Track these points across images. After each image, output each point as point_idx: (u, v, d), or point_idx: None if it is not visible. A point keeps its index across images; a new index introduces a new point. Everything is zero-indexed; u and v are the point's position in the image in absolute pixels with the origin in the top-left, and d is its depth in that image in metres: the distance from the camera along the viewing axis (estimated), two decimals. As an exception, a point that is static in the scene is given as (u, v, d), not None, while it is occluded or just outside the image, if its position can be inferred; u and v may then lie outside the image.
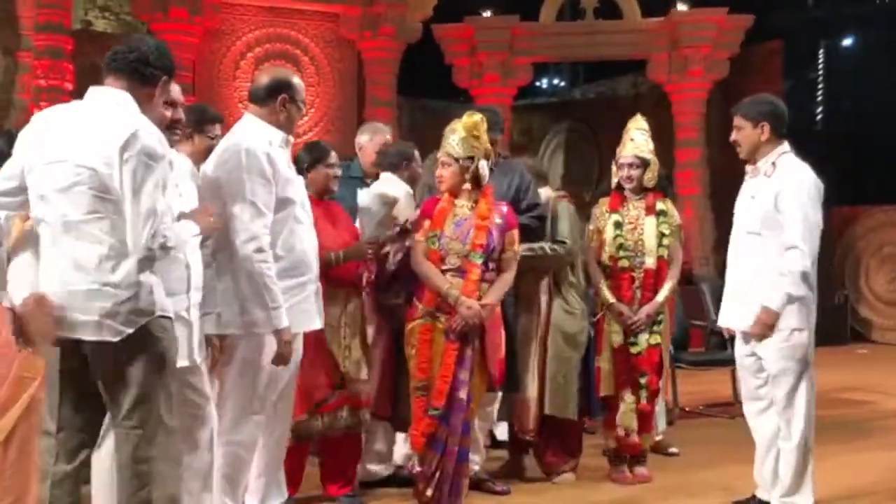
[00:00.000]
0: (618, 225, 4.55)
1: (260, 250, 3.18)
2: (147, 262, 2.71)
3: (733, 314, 3.99)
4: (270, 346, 3.29)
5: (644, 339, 4.48)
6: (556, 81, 17.37)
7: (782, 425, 3.87)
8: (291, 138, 3.49)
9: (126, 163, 2.67)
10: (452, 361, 3.77)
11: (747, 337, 3.94)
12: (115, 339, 2.68)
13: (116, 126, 2.72)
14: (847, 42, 13.36)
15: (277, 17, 10.49)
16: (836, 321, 10.21)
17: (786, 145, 3.91)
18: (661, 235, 4.51)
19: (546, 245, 4.45)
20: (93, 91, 2.87)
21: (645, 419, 4.53)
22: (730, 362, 6.43)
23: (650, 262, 4.49)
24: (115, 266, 2.69)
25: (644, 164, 4.53)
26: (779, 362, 3.81)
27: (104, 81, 2.87)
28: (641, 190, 4.58)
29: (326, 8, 10.54)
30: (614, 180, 4.64)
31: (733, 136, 3.98)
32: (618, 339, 4.50)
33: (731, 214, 4.21)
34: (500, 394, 4.84)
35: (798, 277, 3.70)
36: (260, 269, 3.17)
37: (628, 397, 4.49)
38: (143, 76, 2.85)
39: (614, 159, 4.64)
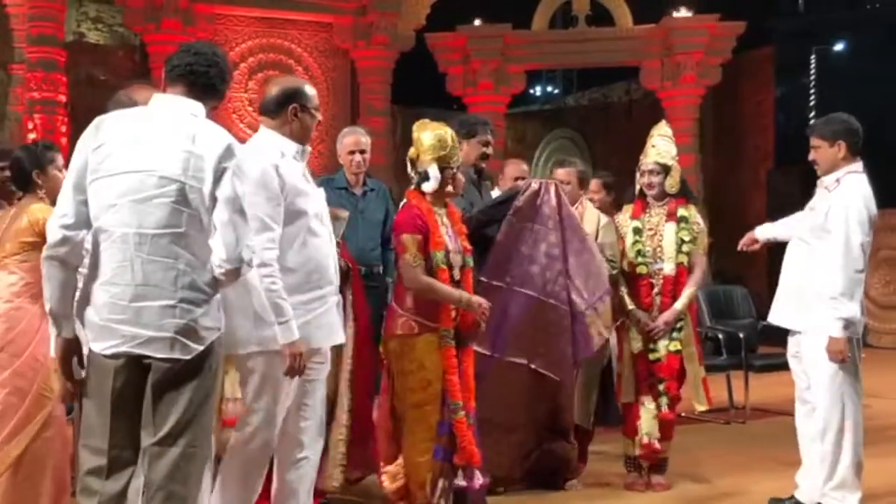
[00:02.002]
0: (637, 231, 4.54)
1: (263, 265, 3.07)
2: (233, 275, 2.65)
3: (785, 314, 4.18)
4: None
5: (664, 346, 4.45)
6: (549, 89, 17.44)
7: (821, 424, 4.01)
8: (308, 148, 3.42)
9: (223, 176, 2.61)
10: (470, 363, 3.83)
11: (794, 336, 4.15)
12: (187, 357, 2.60)
13: (208, 138, 2.64)
14: (838, 47, 13.40)
15: (270, 28, 10.51)
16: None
17: (858, 164, 4.06)
18: (681, 242, 4.47)
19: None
20: (162, 99, 2.76)
21: (665, 427, 4.49)
22: (724, 368, 6.47)
23: (669, 268, 4.47)
24: (192, 282, 2.61)
25: (665, 170, 4.51)
26: (818, 364, 3.97)
27: (169, 87, 2.76)
28: (664, 196, 4.56)
29: (319, 18, 10.57)
30: (637, 187, 4.63)
31: (811, 155, 4.11)
32: (637, 345, 4.48)
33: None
34: None
35: (842, 301, 3.87)
36: (265, 284, 3.07)
37: (649, 404, 4.47)
38: (217, 92, 2.81)
39: (637, 166, 4.63)
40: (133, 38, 10.75)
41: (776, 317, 4.25)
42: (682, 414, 6.26)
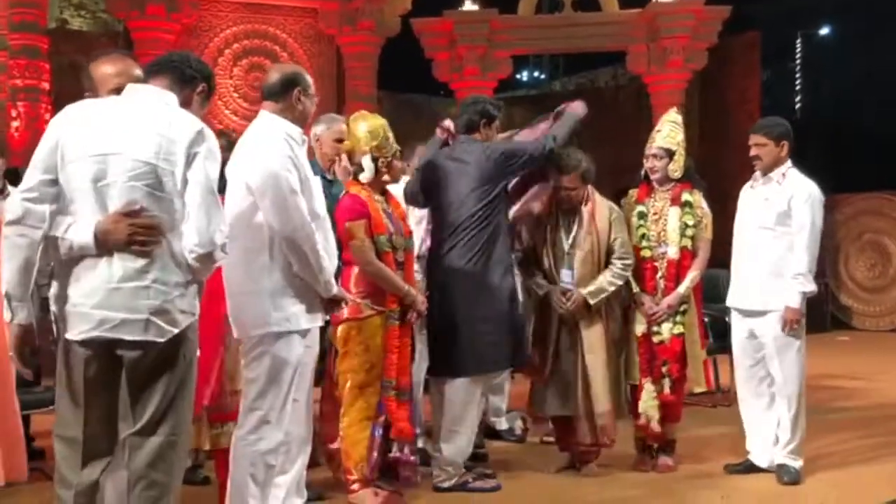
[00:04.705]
0: (641, 216, 4.60)
1: (306, 225, 3.24)
2: (206, 260, 2.64)
3: (743, 296, 4.53)
4: (298, 344, 3.30)
5: (667, 329, 4.51)
6: (536, 74, 17.44)
7: (782, 395, 4.40)
8: (306, 137, 3.50)
9: (195, 159, 2.63)
10: (409, 350, 4.02)
11: (747, 318, 4.51)
12: (160, 340, 2.60)
13: (180, 123, 2.67)
14: (823, 31, 13.45)
15: (255, 13, 10.45)
16: (817, 309, 10.26)
17: (790, 160, 4.49)
18: (685, 226, 4.54)
19: (615, 279, 4.45)
20: (135, 88, 2.80)
21: (669, 409, 4.55)
22: (710, 351, 6.45)
23: (672, 252, 4.53)
24: (166, 265, 2.62)
25: (669, 154, 4.56)
26: (782, 339, 4.36)
27: (146, 83, 2.86)
28: (668, 180, 4.60)
29: (304, 3, 10.50)
30: (643, 171, 4.68)
31: (754, 151, 4.49)
32: (641, 328, 4.53)
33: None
34: (506, 385, 4.97)
35: (807, 277, 4.33)
36: (312, 241, 3.24)
37: (649, 386, 4.51)
38: (183, 75, 2.88)
39: (645, 150, 4.68)
40: (117, 25, 10.65)
41: (738, 300, 4.57)
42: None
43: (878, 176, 10.64)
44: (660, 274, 4.54)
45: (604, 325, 4.47)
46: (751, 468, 4.50)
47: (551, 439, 4.88)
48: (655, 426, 4.50)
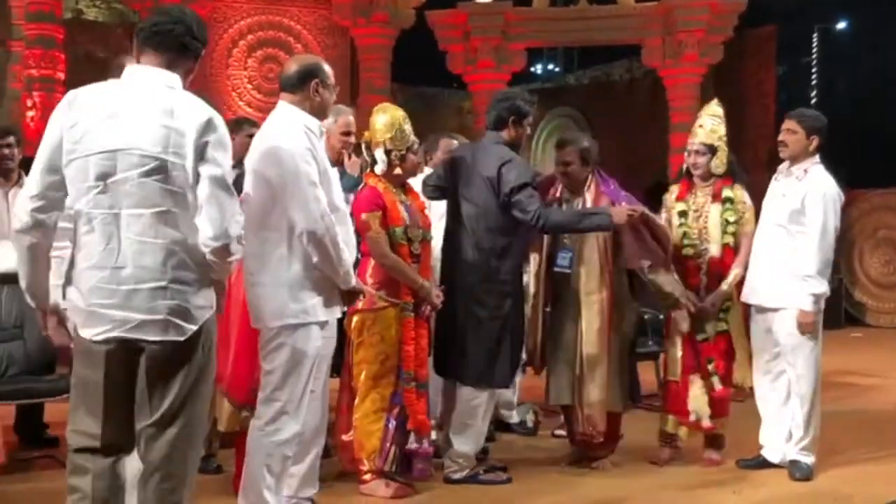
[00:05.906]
0: (682, 214, 4.55)
1: (325, 217, 3.21)
2: (222, 253, 2.58)
3: (758, 292, 4.47)
4: (317, 335, 3.31)
5: (711, 327, 4.48)
6: (550, 67, 17.40)
7: (796, 392, 4.38)
8: (324, 129, 3.50)
9: (205, 149, 2.54)
10: (426, 341, 4.05)
11: (764, 314, 4.46)
12: (181, 339, 2.57)
13: (188, 111, 2.56)
14: (840, 26, 13.36)
15: (269, 5, 10.47)
16: (831, 305, 10.09)
17: (818, 157, 4.40)
18: (726, 223, 4.48)
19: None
20: (137, 71, 2.65)
21: (719, 404, 4.52)
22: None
23: (714, 250, 4.48)
24: (182, 261, 2.56)
25: (712, 150, 4.50)
26: (795, 337, 4.32)
27: (141, 54, 2.66)
28: (710, 176, 4.54)
29: (319, -5, 10.51)
30: (684, 166, 4.64)
31: (782, 136, 4.41)
32: (685, 325, 4.49)
33: None
34: (517, 377, 4.92)
35: (817, 280, 4.26)
36: (332, 233, 3.21)
37: (698, 382, 4.49)
38: (187, 49, 2.69)
39: (686, 147, 4.63)
40: (132, 16, 10.70)
41: (754, 296, 4.51)
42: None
43: (893, 172, 10.58)
44: (702, 271, 4.50)
45: (606, 317, 4.39)
46: (763, 463, 4.49)
47: (562, 433, 4.87)
48: (707, 422, 4.50)
